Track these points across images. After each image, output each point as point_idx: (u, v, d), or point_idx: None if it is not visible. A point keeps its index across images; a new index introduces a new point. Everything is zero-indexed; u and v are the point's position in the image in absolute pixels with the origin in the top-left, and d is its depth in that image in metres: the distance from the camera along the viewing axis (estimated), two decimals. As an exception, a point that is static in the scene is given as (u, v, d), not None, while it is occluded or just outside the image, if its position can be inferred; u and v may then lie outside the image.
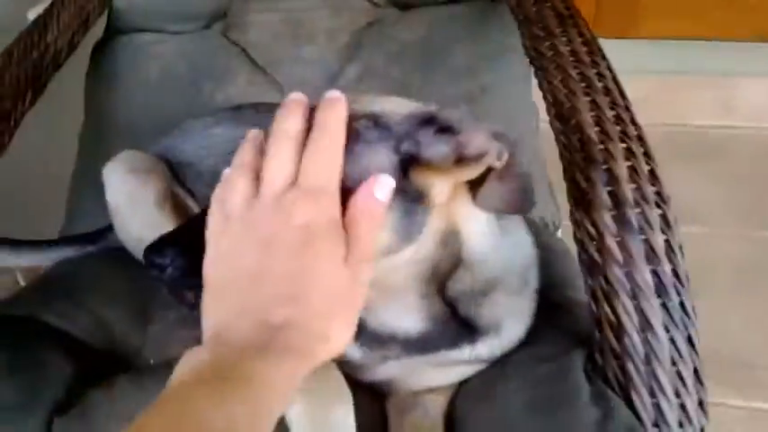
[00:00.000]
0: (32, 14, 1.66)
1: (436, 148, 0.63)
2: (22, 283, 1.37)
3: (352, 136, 0.63)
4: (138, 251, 1.11)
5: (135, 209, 1.08)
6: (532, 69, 1.06)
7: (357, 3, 1.51)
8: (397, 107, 0.67)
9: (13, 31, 1.18)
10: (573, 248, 0.83)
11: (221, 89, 1.39)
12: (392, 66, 1.41)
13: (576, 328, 0.84)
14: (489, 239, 0.72)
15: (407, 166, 0.62)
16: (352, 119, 0.63)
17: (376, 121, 0.64)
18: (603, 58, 0.98)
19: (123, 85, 1.39)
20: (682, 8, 2.42)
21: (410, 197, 0.63)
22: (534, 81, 1.05)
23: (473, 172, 0.64)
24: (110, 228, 1.18)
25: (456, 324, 0.76)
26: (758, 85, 2.46)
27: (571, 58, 0.96)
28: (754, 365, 1.60)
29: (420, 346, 0.76)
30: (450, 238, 0.69)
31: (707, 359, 1.56)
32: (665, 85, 2.51)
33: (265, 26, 1.49)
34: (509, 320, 0.79)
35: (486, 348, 0.79)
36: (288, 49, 1.47)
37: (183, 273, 0.65)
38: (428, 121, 0.63)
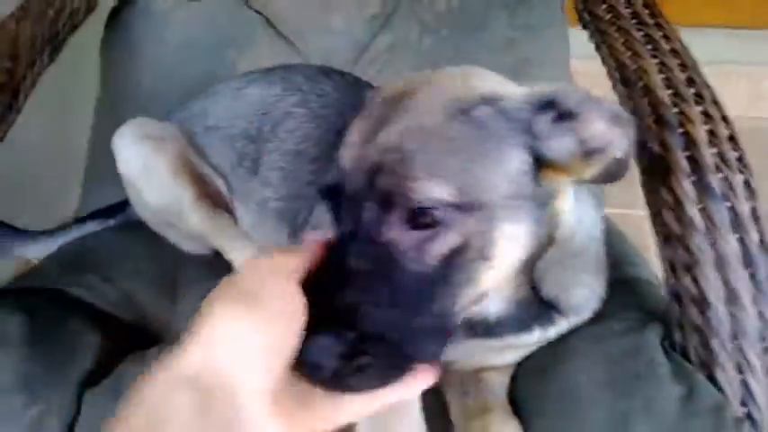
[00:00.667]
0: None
1: (559, 142, 0.56)
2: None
3: (475, 127, 0.55)
4: (154, 223, 1.05)
5: (149, 177, 1.01)
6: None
7: (388, -30, 1.44)
8: (507, 87, 0.59)
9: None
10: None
11: (244, 58, 1.32)
12: (425, 37, 1.35)
13: (645, 304, 0.78)
14: (575, 214, 0.66)
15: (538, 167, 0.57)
16: (465, 103, 0.56)
17: (497, 106, 0.57)
18: (667, 21, 0.92)
19: (142, 53, 1.32)
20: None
21: (538, 203, 0.58)
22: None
23: (599, 167, 0.58)
24: (128, 200, 1.12)
25: (536, 306, 0.70)
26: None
27: (633, 20, 0.91)
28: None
29: (492, 329, 0.70)
30: (552, 220, 0.63)
31: None
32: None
33: (291, -7, 1.42)
34: (588, 299, 0.74)
35: (556, 330, 0.74)
36: (314, 18, 1.39)
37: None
38: (547, 105, 0.57)
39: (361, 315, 0.51)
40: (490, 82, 0.61)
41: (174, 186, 1.01)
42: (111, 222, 1.13)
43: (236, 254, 1.00)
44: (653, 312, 0.76)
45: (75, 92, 1.39)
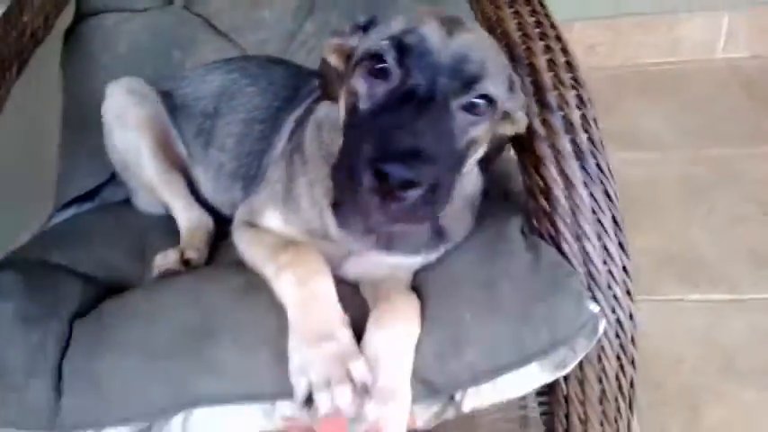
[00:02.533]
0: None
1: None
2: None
3: (499, 63, 0.85)
4: (119, 168, 1.25)
5: (120, 125, 1.20)
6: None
7: (306, -31, 1.62)
8: None
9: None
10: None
11: (189, 57, 1.50)
12: (344, 20, 1.53)
13: (512, 207, 0.97)
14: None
15: None
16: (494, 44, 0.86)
17: (501, 54, 0.87)
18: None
19: (98, 62, 1.50)
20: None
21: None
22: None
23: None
24: (102, 185, 1.30)
25: (428, 234, 0.92)
26: (699, 21, 2.60)
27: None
28: (709, 264, 1.75)
29: (391, 245, 0.91)
30: None
31: (668, 263, 1.73)
32: (614, 28, 2.64)
33: (225, -5, 1.60)
34: (463, 229, 0.97)
35: (436, 255, 0.95)
36: (248, 14, 1.58)
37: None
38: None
39: (421, 162, 0.70)
40: None
41: (138, 138, 1.20)
42: (88, 206, 1.31)
43: (180, 213, 1.20)
44: (516, 210, 0.94)
45: (39, 103, 1.55)
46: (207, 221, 1.21)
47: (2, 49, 1.16)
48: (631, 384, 0.92)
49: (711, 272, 1.73)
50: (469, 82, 0.79)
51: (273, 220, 0.98)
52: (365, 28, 0.88)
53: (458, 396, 0.84)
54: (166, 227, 1.22)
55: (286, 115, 1.14)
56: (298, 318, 0.83)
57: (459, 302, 0.85)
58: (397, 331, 0.83)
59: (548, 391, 0.95)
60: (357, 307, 0.88)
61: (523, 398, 0.97)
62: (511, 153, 1.11)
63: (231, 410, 0.85)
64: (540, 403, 0.98)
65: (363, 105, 0.80)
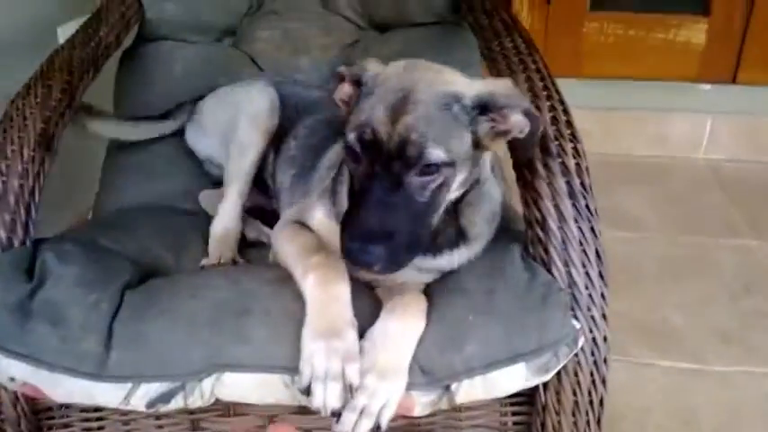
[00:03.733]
0: (62, 30, 1.95)
1: (482, 128, 0.98)
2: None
3: (452, 118, 0.94)
4: (213, 150, 1.51)
5: (251, 125, 1.43)
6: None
7: (344, 25, 1.84)
8: (462, 81, 1.00)
9: (43, 46, 1.41)
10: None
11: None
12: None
13: (514, 237, 1.12)
14: (487, 173, 1.07)
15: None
16: (447, 100, 0.95)
17: (461, 104, 0.96)
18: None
19: (152, 79, 1.68)
20: (620, 52, 2.83)
21: (473, 161, 0.99)
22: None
23: (503, 142, 1.01)
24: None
25: (449, 233, 1.06)
26: (687, 120, 2.85)
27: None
28: (678, 335, 1.90)
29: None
30: (478, 171, 1.03)
31: (642, 330, 1.88)
32: (608, 119, 2.88)
33: (269, 41, 1.80)
34: (482, 234, 1.11)
35: (457, 258, 1.09)
36: (288, 58, 1.78)
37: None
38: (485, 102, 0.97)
39: (390, 229, 0.91)
40: (453, 77, 1.01)
41: (258, 144, 1.42)
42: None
43: (223, 214, 1.36)
44: (516, 238, 1.10)
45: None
46: (236, 230, 1.36)
47: (83, 55, 1.33)
48: (601, 402, 1.05)
49: (681, 343, 1.88)
50: (414, 159, 0.93)
51: (319, 213, 1.15)
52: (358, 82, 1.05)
53: (453, 386, 0.97)
54: (203, 227, 1.37)
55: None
56: (314, 314, 0.97)
57: (463, 306, 1.00)
58: (406, 320, 0.97)
59: (527, 400, 1.08)
60: (370, 308, 1.02)
61: (504, 405, 1.09)
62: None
63: (256, 378, 0.98)
64: (517, 413, 1.10)
65: (355, 184, 0.99)
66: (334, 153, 1.27)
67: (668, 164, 2.86)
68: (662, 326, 1.94)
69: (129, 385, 0.97)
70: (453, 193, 1.00)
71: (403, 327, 0.97)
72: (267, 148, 1.44)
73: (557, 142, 1.07)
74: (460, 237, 1.08)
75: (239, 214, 1.37)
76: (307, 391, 0.93)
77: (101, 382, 0.97)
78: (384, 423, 0.93)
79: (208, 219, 1.38)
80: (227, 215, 1.35)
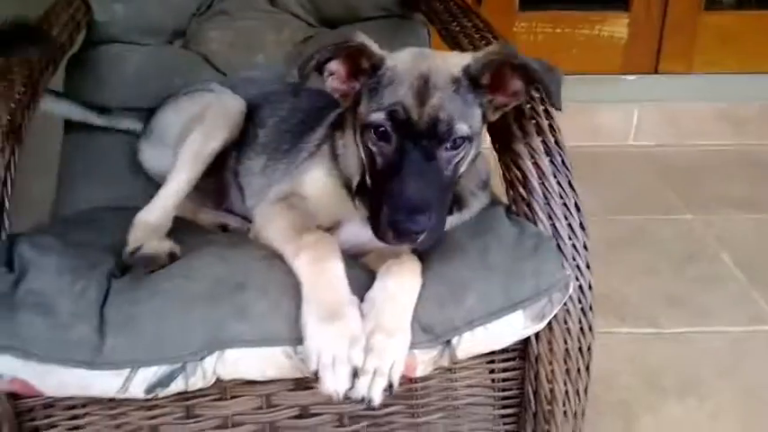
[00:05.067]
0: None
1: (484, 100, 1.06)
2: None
3: (462, 95, 1.03)
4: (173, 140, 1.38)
5: (213, 124, 1.38)
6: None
7: (295, 22, 1.86)
8: (455, 59, 1.08)
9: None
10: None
11: (190, 84, 1.66)
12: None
13: (496, 204, 1.17)
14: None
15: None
16: (457, 80, 1.03)
17: (465, 82, 1.04)
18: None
19: (103, 82, 1.65)
20: (549, 49, 2.97)
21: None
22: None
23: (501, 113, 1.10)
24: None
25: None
26: (615, 110, 3.02)
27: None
28: (633, 304, 2.00)
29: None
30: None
31: (601, 304, 1.96)
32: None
33: (221, 40, 1.80)
34: (477, 199, 1.17)
35: (450, 222, 1.11)
36: (243, 56, 1.78)
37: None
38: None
39: (429, 199, 0.98)
40: (454, 59, 1.09)
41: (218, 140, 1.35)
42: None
43: (167, 195, 1.27)
44: (499, 204, 1.16)
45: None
46: (168, 218, 1.25)
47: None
48: (589, 349, 1.10)
49: (635, 311, 1.98)
50: (444, 136, 1.02)
51: (318, 172, 1.17)
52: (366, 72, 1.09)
53: (454, 341, 0.99)
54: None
55: (325, 113, 1.33)
56: (311, 294, 0.97)
57: (459, 263, 1.03)
58: (403, 280, 1.00)
59: (519, 355, 1.12)
60: (364, 278, 1.04)
61: (496, 362, 1.13)
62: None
63: (258, 353, 0.97)
64: (508, 369, 1.14)
65: (379, 161, 1.05)
66: (320, 133, 1.29)
67: (601, 152, 3.00)
68: (615, 297, 2.03)
69: (128, 371, 0.95)
70: (467, 165, 1.08)
71: (401, 284, 0.99)
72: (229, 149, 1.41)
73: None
74: (455, 204, 1.14)
75: (179, 203, 1.27)
76: (315, 376, 0.93)
77: (97, 370, 0.94)
78: (395, 381, 0.94)
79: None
80: (169, 199, 1.25)
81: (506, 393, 1.15)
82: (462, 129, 1.02)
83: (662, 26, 2.93)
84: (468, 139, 1.03)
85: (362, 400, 0.93)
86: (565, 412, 1.11)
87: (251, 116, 1.45)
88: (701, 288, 2.08)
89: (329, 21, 1.87)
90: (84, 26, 1.60)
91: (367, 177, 1.08)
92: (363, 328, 0.95)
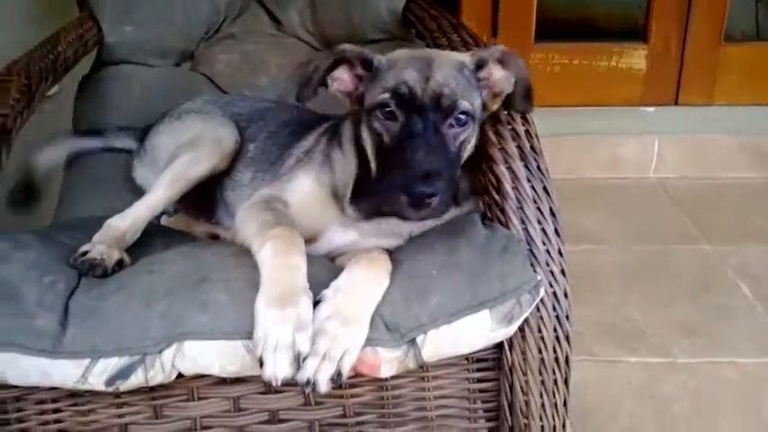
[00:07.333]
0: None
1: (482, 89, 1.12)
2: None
3: (465, 78, 1.09)
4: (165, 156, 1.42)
5: (203, 143, 1.41)
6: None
7: (297, 46, 1.92)
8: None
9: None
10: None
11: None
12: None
13: (472, 210, 1.16)
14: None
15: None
16: (459, 65, 1.10)
17: (468, 68, 1.11)
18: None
19: (112, 101, 1.71)
20: (567, 80, 2.96)
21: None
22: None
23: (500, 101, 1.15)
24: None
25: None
26: (635, 142, 2.97)
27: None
28: (642, 334, 1.93)
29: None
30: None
31: (608, 331, 1.91)
32: (559, 146, 2.98)
33: (228, 62, 1.85)
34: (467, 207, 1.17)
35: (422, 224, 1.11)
36: (247, 78, 1.83)
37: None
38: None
39: (440, 166, 1.01)
40: (454, 52, 1.17)
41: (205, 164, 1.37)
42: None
43: (143, 207, 1.28)
44: (475, 211, 1.15)
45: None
46: (137, 230, 1.26)
47: (41, 65, 1.36)
48: (566, 361, 1.06)
49: (646, 340, 1.91)
50: (448, 110, 1.07)
51: (305, 180, 1.20)
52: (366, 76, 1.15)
53: (419, 339, 0.97)
54: (166, 233, 1.37)
55: (315, 125, 1.36)
56: (268, 281, 0.97)
57: (426, 262, 1.03)
58: (370, 271, 1.00)
59: (494, 365, 1.08)
60: (329, 275, 1.03)
61: (470, 371, 1.09)
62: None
63: (217, 346, 0.96)
64: (484, 380, 1.10)
65: (386, 140, 1.09)
66: (310, 141, 1.32)
67: (621, 184, 2.96)
68: (627, 325, 1.97)
69: (87, 361, 0.95)
70: (467, 154, 1.12)
71: (368, 276, 0.99)
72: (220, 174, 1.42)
73: (505, 111, 1.12)
74: (453, 198, 1.13)
75: (150, 218, 1.29)
76: (260, 363, 0.92)
77: (57, 359, 0.95)
78: (345, 371, 0.92)
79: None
80: (142, 212, 1.26)
81: (482, 405, 1.11)
82: (465, 104, 1.07)
83: (681, 57, 2.89)
84: (471, 117, 1.08)
85: (308, 383, 0.91)
86: (542, 427, 1.06)
87: (242, 132, 1.47)
88: (718, 318, 1.99)
89: (332, 43, 1.90)
90: (93, 46, 1.67)
91: (372, 165, 1.11)
92: (320, 314, 0.94)
